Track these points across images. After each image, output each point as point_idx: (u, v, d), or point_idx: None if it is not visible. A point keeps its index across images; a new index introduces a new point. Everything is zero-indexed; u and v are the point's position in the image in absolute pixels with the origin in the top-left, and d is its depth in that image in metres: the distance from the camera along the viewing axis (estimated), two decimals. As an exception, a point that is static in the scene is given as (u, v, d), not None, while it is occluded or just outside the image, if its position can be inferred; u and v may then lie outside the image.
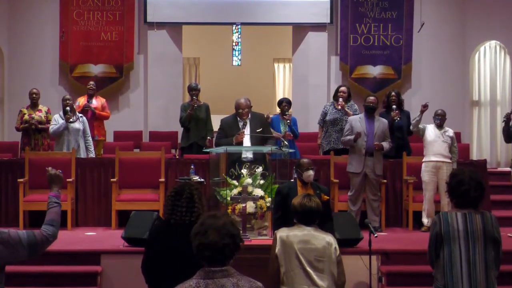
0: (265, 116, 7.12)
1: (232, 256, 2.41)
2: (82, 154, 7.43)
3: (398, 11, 9.90)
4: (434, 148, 6.82)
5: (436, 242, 3.35)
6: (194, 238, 2.42)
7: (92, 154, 7.58)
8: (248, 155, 6.19)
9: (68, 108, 7.43)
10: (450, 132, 6.95)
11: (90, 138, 7.60)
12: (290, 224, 3.98)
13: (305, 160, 5.29)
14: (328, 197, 5.13)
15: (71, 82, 9.75)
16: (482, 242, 3.28)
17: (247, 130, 6.27)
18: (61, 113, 7.50)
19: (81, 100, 8.36)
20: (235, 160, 6.11)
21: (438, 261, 3.36)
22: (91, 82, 8.61)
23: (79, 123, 7.49)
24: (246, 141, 6.28)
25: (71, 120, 7.39)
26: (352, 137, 6.71)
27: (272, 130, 7.11)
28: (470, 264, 3.26)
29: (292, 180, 5.46)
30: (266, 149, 6.12)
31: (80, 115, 7.65)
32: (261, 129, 6.28)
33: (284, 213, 4.94)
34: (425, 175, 6.83)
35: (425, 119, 7.12)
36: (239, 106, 6.32)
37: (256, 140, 6.25)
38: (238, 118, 6.34)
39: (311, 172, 5.11)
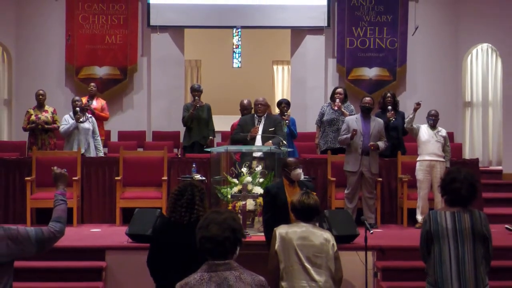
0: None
1: (233, 249, 2.46)
2: (92, 153, 7.52)
3: (393, 15, 9.97)
4: (428, 147, 6.90)
5: (427, 240, 3.42)
6: (197, 232, 2.49)
7: (101, 153, 7.69)
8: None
9: (78, 108, 7.57)
10: (443, 132, 7.04)
11: (99, 138, 7.72)
12: (281, 223, 4.03)
13: (292, 159, 5.29)
14: (315, 194, 5.20)
15: (77, 84, 9.81)
16: (471, 240, 3.33)
17: (260, 128, 6.58)
18: (71, 113, 7.63)
19: (83, 101, 8.47)
20: (247, 156, 6.39)
21: (429, 258, 3.43)
22: (92, 84, 8.71)
23: (89, 123, 7.60)
24: (258, 139, 6.54)
25: (81, 120, 7.54)
26: (349, 135, 6.80)
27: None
28: (459, 262, 3.31)
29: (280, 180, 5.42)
30: (265, 148, 6.26)
31: (90, 115, 7.75)
32: (273, 128, 6.57)
33: (274, 212, 4.98)
34: (420, 174, 6.91)
35: (419, 120, 7.22)
36: (256, 101, 6.77)
37: (267, 139, 6.50)
38: (255, 116, 6.71)
39: (299, 171, 5.12)
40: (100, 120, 8.58)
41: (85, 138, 7.56)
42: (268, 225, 4.98)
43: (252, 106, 7.12)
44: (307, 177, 6.68)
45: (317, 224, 4.01)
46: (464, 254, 3.32)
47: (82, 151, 7.41)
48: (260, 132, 6.57)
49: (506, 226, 6.53)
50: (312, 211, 3.87)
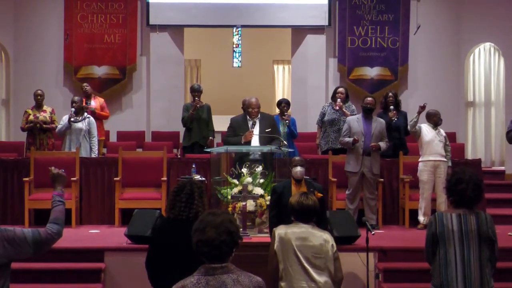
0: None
1: (230, 252, 2.45)
2: (84, 154, 7.48)
3: (395, 14, 9.97)
4: (432, 148, 6.87)
5: (432, 242, 3.41)
6: (193, 235, 2.48)
7: (95, 155, 7.64)
8: (256, 153, 6.33)
9: (73, 109, 7.54)
10: (443, 131, 7.03)
11: (94, 139, 7.65)
12: (285, 222, 4.05)
13: (297, 157, 5.39)
14: (322, 194, 5.17)
15: (75, 84, 9.79)
16: (477, 242, 3.33)
17: (256, 130, 6.40)
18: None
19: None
20: (242, 159, 6.25)
21: (435, 260, 3.42)
22: (85, 84, 8.69)
23: (83, 124, 7.56)
24: (255, 140, 6.40)
25: (72, 120, 7.50)
26: (350, 140, 6.79)
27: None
28: (464, 264, 3.31)
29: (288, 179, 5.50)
30: (266, 148, 6.22)
31: (88, 116, 7.72)
32: (269, 129, 6.40)
33: (279, 211, 5.03)
34: (424, 175, 6.87)
35: (419, 120, 7.15)
36: (250, 105, 6.48)
37: (265, 140, 6.37)
38: (248, 117, 6.48)
39: (298, 168, 5.19)
40: (101, 119, 8.59)
41: (77, 138, 7.53)
42: (272, 224, 5.05)
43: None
44: (307, 177, 6.65)
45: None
46: (470, 256, 3.32)
47: (73, 150, 7.38)
48: (256, 133, 6.40)
49: (509, 233, 6.50)
50: (310, 212, 3.88)
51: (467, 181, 3.35)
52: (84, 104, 8.35)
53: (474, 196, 3.37)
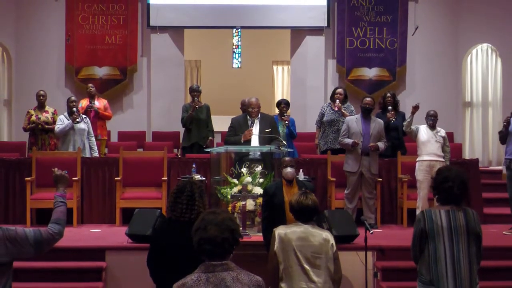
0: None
1: (231, 250, 2.47)
2: (87, 154, 7.54)
3: (393, 15, 10.02)
4: (427, 148, 6.91)
5: (421, 238, 3.40)
6: (194, 234, 2.50)
7: (96, 154, 7.69)
8: (256, 153, 6.38)
9: (75, 109, 7.58)
10: (442, 132, 7.05)
11: (93, 138, 7.72)
12: (278, 222, 4.04)
13: (286, 158, 5.37)
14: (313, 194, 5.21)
15: (77, 84, 9.86)
16: (465, 238, 3.35)
17: (255, 129, 6.44)
18: (66, 113, 7.64)
19: (84, 102, 8.48)
20: (242, 158, 6.28)
21: (423, 257, 3.42)
22: (90, 84, 8.72)
23: (84, 124, 7.61)
24: (255, 140, 6.43)
25: (77, 120, 7.55)
26: (350, 141, 6.83)
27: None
28: (454, 260, 3.33)
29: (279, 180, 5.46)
30: (265, 148, 6.25)
31: (84, 116, 7.78)
32: (269, 129, 6.45)
33: (272, 212, 5.02)
34: (419, 174, 6.91)
35: (418, 120, 7.22)
36: (250, 104, 6.55)
37: (264, 140, 6.41)
38: (248, 117, 6.54)
39: (289, 169, 5.16)
40: (104, 119, 8.62)
41: (81, 138, 7.56)
42: (265, 225, 5.03)
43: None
44: (307, 177, 6.71)
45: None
46: (459, 252, 3.34)
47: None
48: (256, 133, 6.44)
49: (504, 232, 6.54)
50: (310, 211, 3.88)
51: (453, 179, 3.39)
52: (88, 103, 8.42)
53: (460, 193, 3.39)
